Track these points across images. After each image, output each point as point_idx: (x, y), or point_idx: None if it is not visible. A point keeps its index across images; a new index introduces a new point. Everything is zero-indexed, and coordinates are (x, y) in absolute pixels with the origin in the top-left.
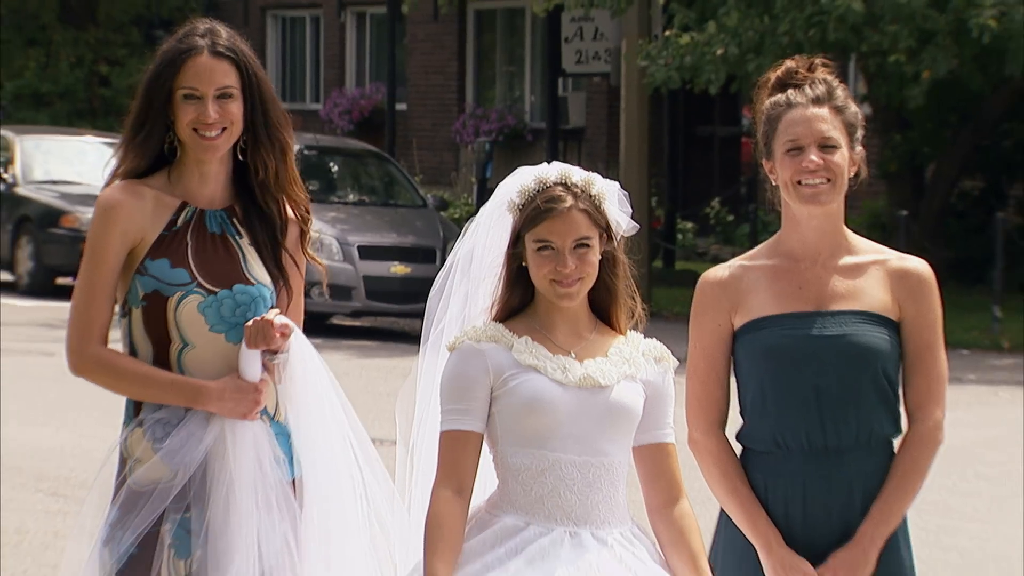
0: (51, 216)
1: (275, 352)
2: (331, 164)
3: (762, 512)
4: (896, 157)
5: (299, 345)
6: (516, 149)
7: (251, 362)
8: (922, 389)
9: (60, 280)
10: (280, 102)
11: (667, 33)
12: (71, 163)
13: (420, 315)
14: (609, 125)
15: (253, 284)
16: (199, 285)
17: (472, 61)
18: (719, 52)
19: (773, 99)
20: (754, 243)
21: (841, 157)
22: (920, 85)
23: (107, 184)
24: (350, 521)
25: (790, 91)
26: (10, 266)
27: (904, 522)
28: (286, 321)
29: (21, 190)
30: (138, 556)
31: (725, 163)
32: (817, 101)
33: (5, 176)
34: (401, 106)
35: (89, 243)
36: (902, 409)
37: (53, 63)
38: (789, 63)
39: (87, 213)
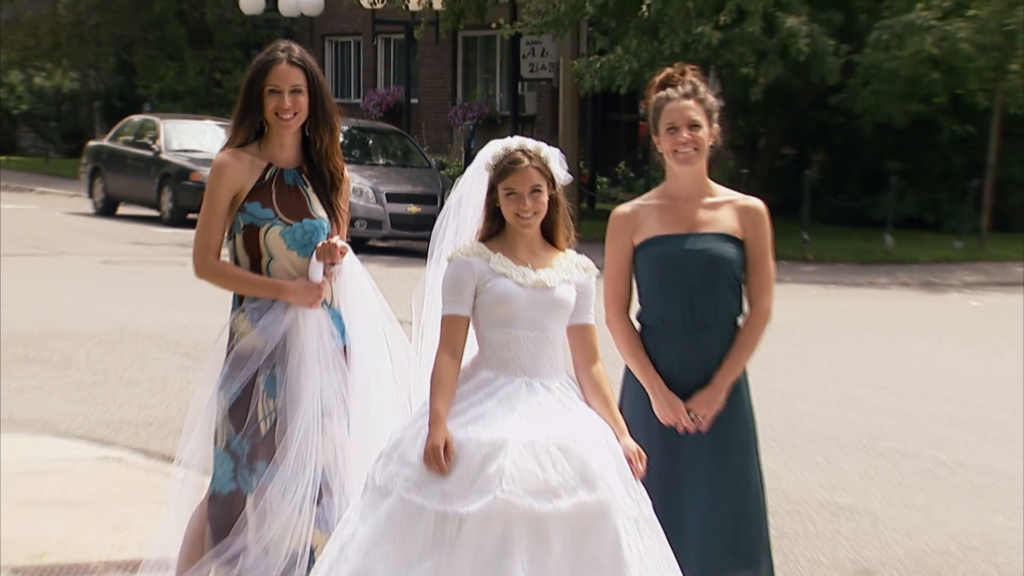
0: (183, 173)
1: (333, 264)
2: (368, 139)
3: (652, 367)
4: (740, 135)
5: (349, 259)
6: (490, 129)
7: (317, 270)
8: (757, 285)
9: (190, 216)
10: (333, 97)
11: (591, 58)
12: (196, 138)
13: (427, 239)
14: (551, 113)
15: (315, 218)
16: (280, 219)
17: (460, 70)
18: (626, 68)
19: (658, 95)
20: (647, 191)
21: (703, 133)
22: (759, 87)
23: (220, 151)
24: (382, 374)
25: (669, 89)
26: (156, 206)
27: (744, 372)
28: (344, 244)
29: (164, 156)
30: (241, 397)
31: (628, 139)
32: (686, 96)
33: (153, 147)
34: (414, 100)
35: (207, 191)
36: (745, 298)
37: (184, 72)
38: (668, 70)
39: (206, 171)
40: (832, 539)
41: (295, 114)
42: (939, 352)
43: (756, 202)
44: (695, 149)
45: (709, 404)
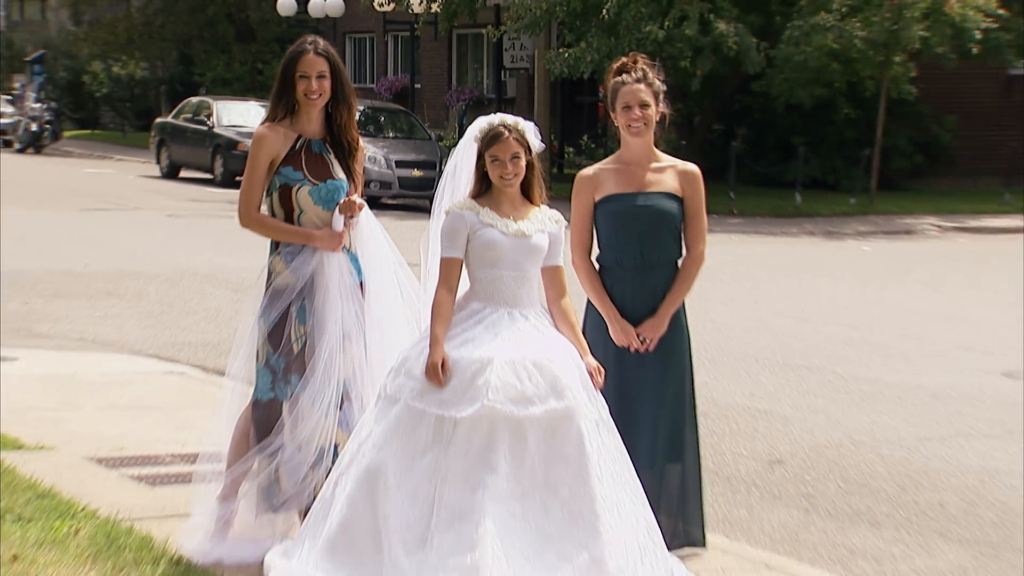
0: (232, 144)
1: (352, 216)
2: (380, 117)
3: (609, 299)
4: (680, 114)
5: (365, 213)
6: (479, 109)
7: (338, 221)
8: (693, 234)
9: (237, 178)
10: (351, 82)
11: (560, 51)
12: (242, 116)
13: (429, 197)
14: (528, 96)
15: (336, 179)
16: (308, 180)
17: (455, 61)
18: (588, 60)
19: (615, 79)
20: (606, 158)
21: (651, 111)
22: (696, 78)
23: (260, 125)
24: (392, 305)
25: (624, 75)
26: (210, 171)
27: (683, 304)
28: (361, 201)
29: (216, 130)
30: (278, 324)
31: (590, 116)
32: (638, 80)
33: (208, 123)
34: (417, 85)
35: (249, 157)
36: (684, 244)
37: (232, 63)
38: (624, 59)
39: (250, 142)
40: (751, 436)
41: (320, 95)
42: (837, 287)
43: (693, 167)
44: (644, 124)
45: (655, 329)
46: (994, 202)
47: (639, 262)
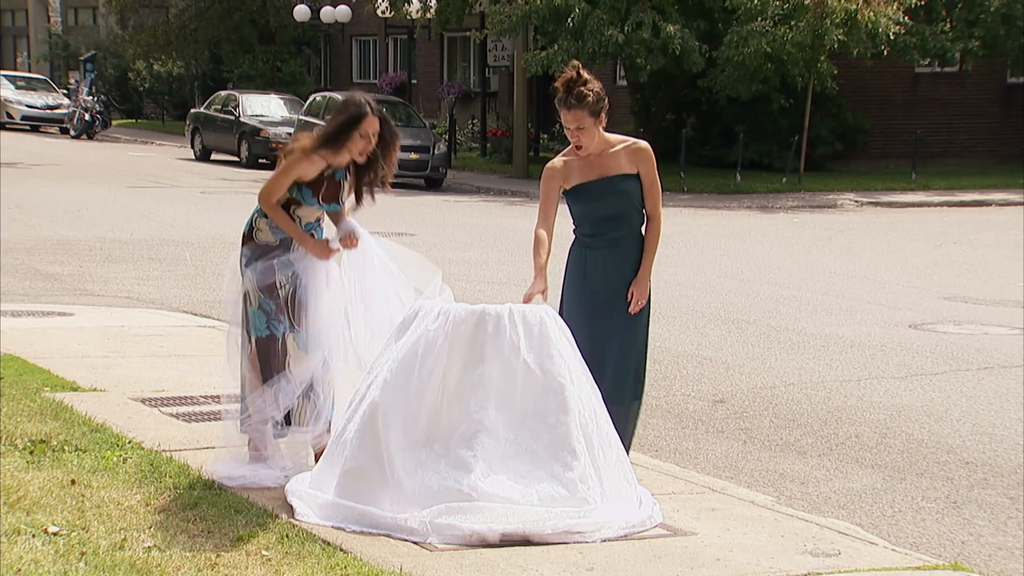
0: (255, 131)
1: (348, 248)
2: (383, 107)
3: (543, 265)
4: (637, 105)
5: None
6: (467, 101)
7: (335, 243)
8: (652, 204)
9: (260, 160)
10: (398, 139)
11: (535, 52)
12: (264, 107)
13: (423, 177)
14: (509, 90)
15: (339, 203)
16: (318, 202)
17: (446, 59)
18: (559, 60)
19: (557, 98)
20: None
21: (588, 125)
22: (644, 73)
23: (303, 146)
24: (379, 286)
25: (561, 96)
26: (237, 154)
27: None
28: (359, 235)
29: (242, 119)
30: (265, 272)
31: None
32: (570, 107)
33: (235, 113)
34: (414, 81)
35: (285, 164)
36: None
37: (255, 62)
38: (566, 75)
39: (272, 130)
40: (698, 380)
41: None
42: (771, 253)
43: (643, 144)
44: (586, 140)
45: (641, 288)
46: (903, 181)
47: (608, 237)
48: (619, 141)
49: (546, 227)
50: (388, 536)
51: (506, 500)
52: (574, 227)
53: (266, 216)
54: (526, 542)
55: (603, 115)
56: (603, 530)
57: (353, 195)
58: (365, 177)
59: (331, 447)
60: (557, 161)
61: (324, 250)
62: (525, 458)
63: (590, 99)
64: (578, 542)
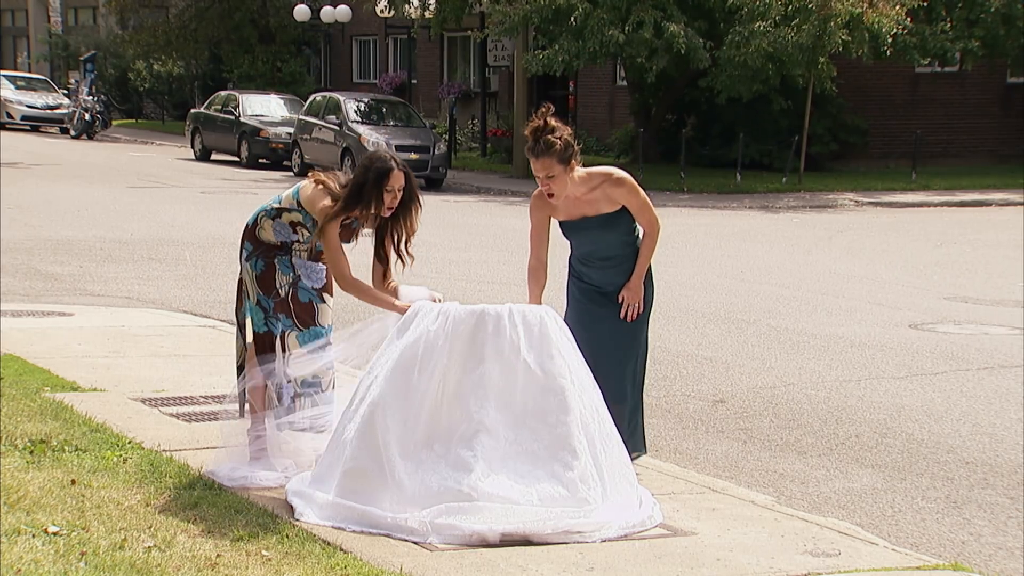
0: (255, 131)
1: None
2: (382, 108)
3: (537, 293)
4: (637, 105)
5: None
6: (467, 101)
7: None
8: (645, 222)
9: (260, 160)
10: (420, 194)
11: (535, 52)
12: (264, 107)
13: (423, 177)
14: (509, 90)
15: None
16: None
17: (446, 59)
18: (560, 59)
19: (526, 146)
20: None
21: (558, 173)
22: (652, 74)
23: (334, 215)
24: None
25: (530, 145)
26: (237, 154)
27: (650, 267)
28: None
29: (242, 119)
30: (265, 271)
31: (561, 108)
32: (538, 155)
33: (235, 113)
34: (414, 81)
35: (329, 240)
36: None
37: (255, 62)
38: (535, 122)
39: (272, 130)
40: (698, 379)
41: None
42: (771, 253)
43: (619, 174)
44: (557, 188)
45: (633, 293)
46: (903, 181)
47: (599, 263)
48: (597, 176)
49: (538, 258)
50: (388, 536)
51: (506, 500)
52: (571, 254)
53: (271, 219)
54: (526, 542)
55: (573, 161)
56: (603, 530)
57: (374, 253)
58: (386, 233)
59: (331, 446)
60: (541, 195)
61: (401, 309)
62: (525, 458)
63: (558, 147)
64: (578, 542)
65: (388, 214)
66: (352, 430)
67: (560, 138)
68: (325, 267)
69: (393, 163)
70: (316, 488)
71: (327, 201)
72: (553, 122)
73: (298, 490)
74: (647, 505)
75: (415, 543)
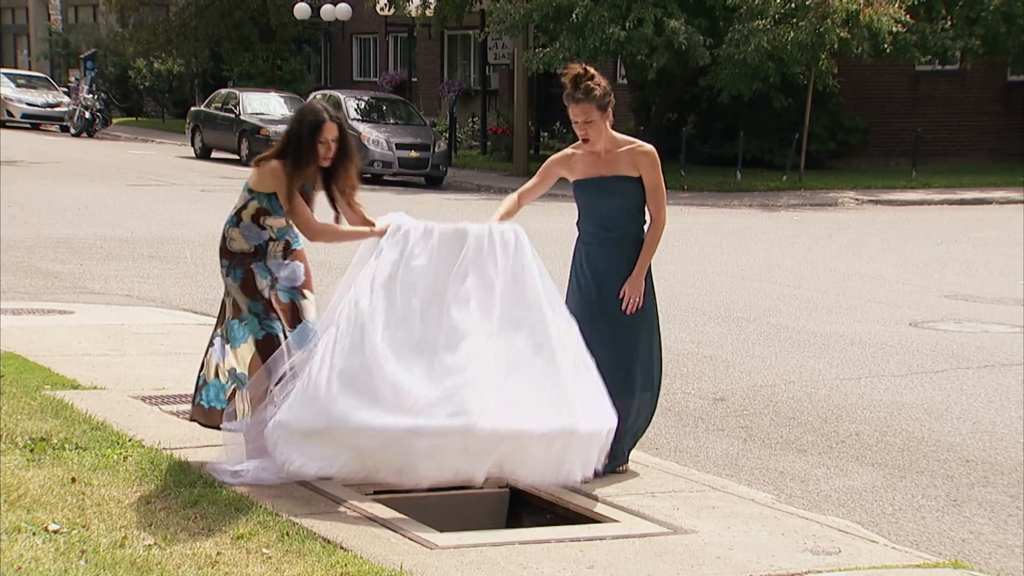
0: (255, 129)
1: None
2: (383, 106)
3: (499, 215)
4: (638, 102)
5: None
6: (467, 99)
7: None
8: (655, 206)
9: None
10: (355, 144)
11: (536, 50)
12: (264, 105)
13: (423, 175)
14: (509, 88)
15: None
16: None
17: (446, 58)
18: (560, 57)
19: (565, 92)
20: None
21: (596, 119)
22: (652, 71)
23: (290, 180)
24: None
25: (569, 92)
26: (237, 152)
27: (650, 268)
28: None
29: (242, 117)
30: (245, 279)
31: (561, 106)
32: (578, 100)
33: (235, 111)
34: (414, 79)
35: (288, 194)
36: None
37: (256, 60)
38: (575, 70)
39: (272, 128)
40: (698, 378)
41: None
42: (771, 251)
43: (648, 147)
44: (593, 133)
45: (634, 287)
46: (903, 179)
47: (604, 236)
48: (625, 142)
49: (522, 195)
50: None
51: (497, 399)
52: (577, 222)
53: (236, 226)
54: (517, 435)
55: (610, 110)
56: (581, 427)
57: (331, 206)
58: (334, 187)
59: (305, 386)
60: (566, 150)
61: (380, 232)
62: (512, 357)
63: (597, 93)
64: (563, 433)
65: (327, 164)
66: (342, 339)
67: (599, 85)
68: (301, 264)
69: (325, 114)
70: (297, 408)
71: (272, 164)
72: (591, 70)
73: (283, 420)
74: (610, 412)
75: (416, 542)
